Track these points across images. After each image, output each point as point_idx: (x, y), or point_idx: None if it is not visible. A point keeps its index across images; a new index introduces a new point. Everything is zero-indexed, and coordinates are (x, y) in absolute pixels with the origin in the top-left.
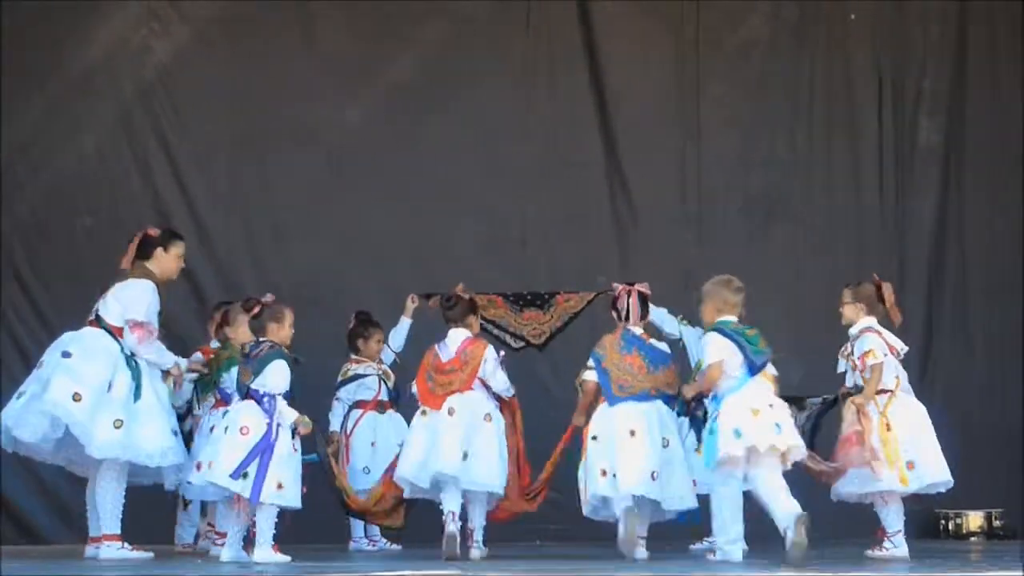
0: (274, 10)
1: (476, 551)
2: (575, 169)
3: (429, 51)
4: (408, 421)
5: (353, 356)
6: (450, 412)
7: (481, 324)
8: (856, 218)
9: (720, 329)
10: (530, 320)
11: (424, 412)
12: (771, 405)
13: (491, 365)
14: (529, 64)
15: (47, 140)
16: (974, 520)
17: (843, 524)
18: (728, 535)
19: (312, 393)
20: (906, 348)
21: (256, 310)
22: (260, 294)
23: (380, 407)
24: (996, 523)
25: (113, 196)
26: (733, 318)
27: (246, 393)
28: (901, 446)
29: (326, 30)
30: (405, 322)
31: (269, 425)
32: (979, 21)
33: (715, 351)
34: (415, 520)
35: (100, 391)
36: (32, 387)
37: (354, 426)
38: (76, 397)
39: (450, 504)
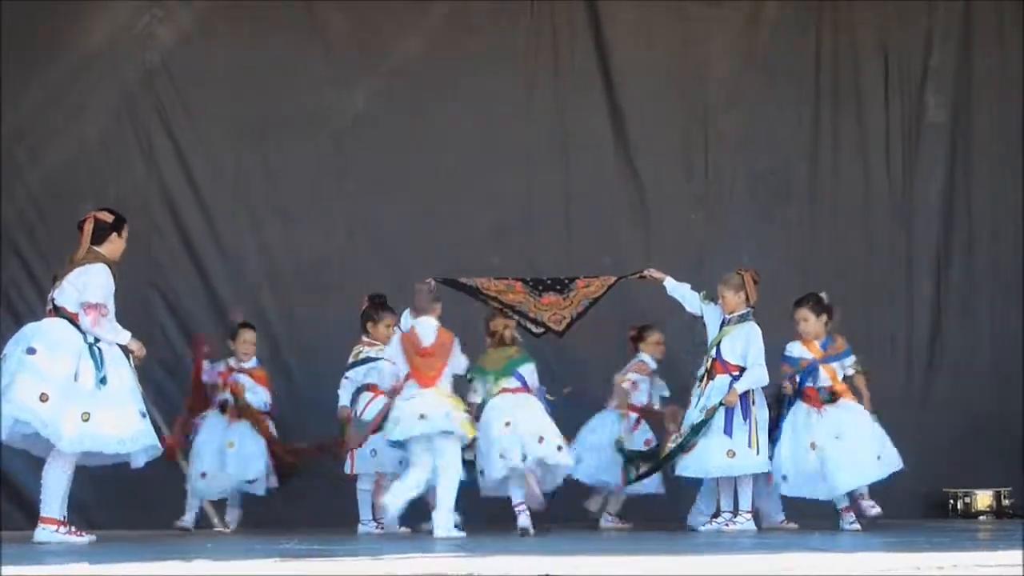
0: None
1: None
2: (582, 150)
3: (433, 34)
4: None
5: (365, 338)
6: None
7: (500, 310)
8: (863, 196)
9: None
10: (549, 305)
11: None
12: None
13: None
14: (534, 45)
15: (49, 125)
16: (983, 499)
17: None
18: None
19: (318, 378)
20: None
21: None
22: (266, 280)
23: (392, 392)
24: (1005, 502)
25: (117, 182)
26: None
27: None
28: None
29: (330, 14)
30: None
31: None
32: None
33: None
34: (422, 507)
35: (67, 384)
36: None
37: (364, 408)
38: (43, 397)
39: None
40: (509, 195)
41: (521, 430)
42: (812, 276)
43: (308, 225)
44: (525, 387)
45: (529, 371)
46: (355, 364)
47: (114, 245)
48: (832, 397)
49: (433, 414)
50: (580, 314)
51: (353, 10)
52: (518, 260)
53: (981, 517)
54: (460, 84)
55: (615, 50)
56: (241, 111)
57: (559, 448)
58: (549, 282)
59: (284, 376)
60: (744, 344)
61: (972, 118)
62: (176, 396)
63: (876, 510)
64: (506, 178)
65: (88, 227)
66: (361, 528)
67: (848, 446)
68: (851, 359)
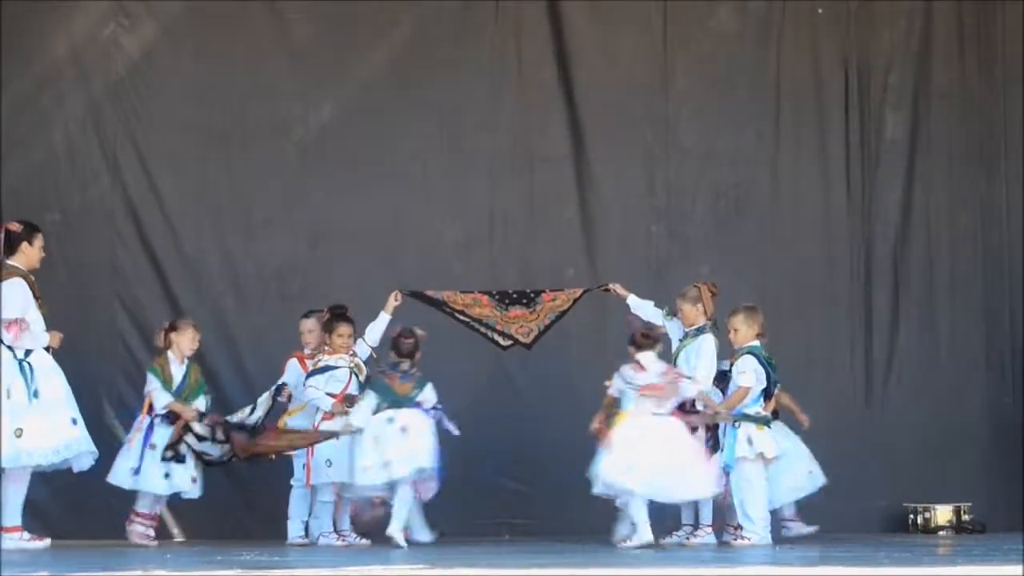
0: (243, 5)
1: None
2: (544, 163)
3: (398, 46)
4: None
5: (326, 347)
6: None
7: (467, 323)
8: (823, 211)
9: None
10: (516, 318)
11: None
12: None
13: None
14: (497, 59)
15: (15, 136)
16: (943, 514)
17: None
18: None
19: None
20: None
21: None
22: (229, 290)
23: (348, 400)
24: (964, 517)
25: (82, 192)
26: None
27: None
28: None
29: (295, 25)
30: (384, 318)
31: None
32: (944, 16)
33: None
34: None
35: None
36: None
37: (321, 418)
38: None
39: None
40: (472, 206)
41: None
42: (771, 289)
43: (272, 235)
44: None
45: None
46: (315, 372)
47: (27, 255)
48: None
49: None
50: (547, 327)
51: (319, 21)
52: (481, 271)
53: (941, 532)
54: (424, 95)
55: (577, 64)
56: (206, 121)
57: None
58: (515, 295)
59: (246, 385)
60: (696, 356)
61: (931, 134)
62: (138, 405)
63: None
64: (469, 190)
65: None
66: (322, 540)
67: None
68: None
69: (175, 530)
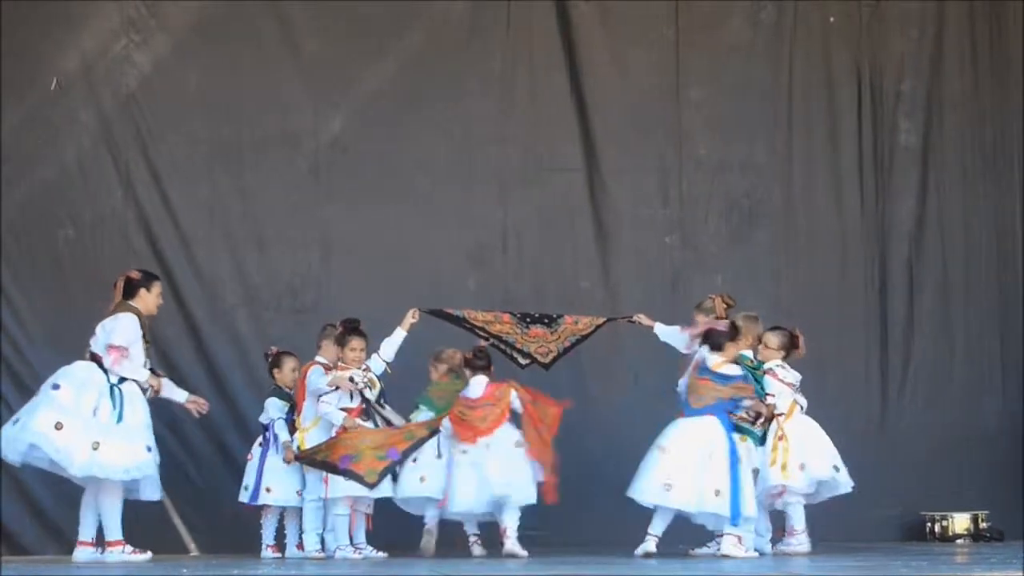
0: (254, 18)
1: (512, 545)
2: (556, 174)
3: (409, 57)
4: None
5: (340, 363)
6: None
7: (486, 339)
8: (837, 220)
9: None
10: (536, 337)
11: (465, 451)
12: None
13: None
14: (509, 69)
15: (27, 150)
16: (960, 522)
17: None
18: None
19: None
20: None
21: None
22: (242, 303)
23: (365, 414)
24: (982, 525)
25: (94, 207)
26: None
27: None
28: (792, 453)
29: (305, 37)
30: (400, 334)
31: None
32: (956, 23)
33: None
34: (399, 530)
35: (85, 417)
36: (24, 416)
37: (336, 433)
38: (58, 426)
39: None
40: (485, 219)
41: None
42: (786, 299)
43: (284, 249)
44: None
45: None
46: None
47: (144, 300)
48: None
49: None
50: (567, 348)
51: (328, 35)
52: (493, 283)
53: (959, 540)
54: (435, 108)
55: (589, 74)
56: (217, 135)
57: None
58: (537, 316)
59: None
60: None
61: (944, 142)
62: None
63: None
64: (482, 202)
65: (119, 284)
66: (338, 553)
67: None
68: None
69: (191, 544)
